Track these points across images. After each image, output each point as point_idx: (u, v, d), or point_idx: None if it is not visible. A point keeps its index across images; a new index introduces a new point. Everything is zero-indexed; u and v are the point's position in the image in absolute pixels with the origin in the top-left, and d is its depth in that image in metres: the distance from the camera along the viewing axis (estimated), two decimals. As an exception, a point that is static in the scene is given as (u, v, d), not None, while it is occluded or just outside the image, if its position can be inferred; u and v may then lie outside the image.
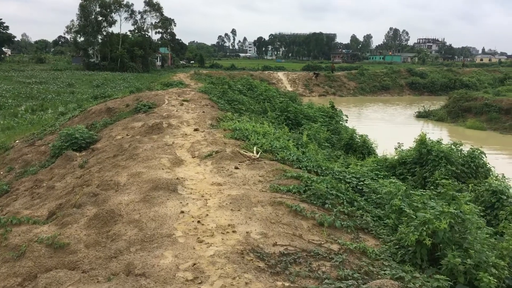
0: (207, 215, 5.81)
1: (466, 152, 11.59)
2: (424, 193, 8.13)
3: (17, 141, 17.71)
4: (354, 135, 16.85)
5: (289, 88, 57.21)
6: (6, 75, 52.82)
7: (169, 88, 22.53)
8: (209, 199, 6.43)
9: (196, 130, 11.68)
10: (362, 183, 8.27)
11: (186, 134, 11.23)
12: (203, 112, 14.48)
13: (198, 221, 5.58)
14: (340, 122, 20.51)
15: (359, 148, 16.37)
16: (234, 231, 5.32)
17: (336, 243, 5.38)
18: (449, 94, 42.55)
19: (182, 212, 5.86)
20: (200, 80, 33.14)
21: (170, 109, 15.23)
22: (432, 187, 10.45)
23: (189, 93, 19.51)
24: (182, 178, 7.36)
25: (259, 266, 4.48)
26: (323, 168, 8.87)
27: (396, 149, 13.91)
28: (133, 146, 9.94)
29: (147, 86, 25.30)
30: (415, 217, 5.46)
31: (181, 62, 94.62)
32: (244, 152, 8.89)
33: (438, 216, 5.21)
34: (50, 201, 7.81)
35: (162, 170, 7.72)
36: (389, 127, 33.67)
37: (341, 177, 8.48)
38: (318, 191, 6.59)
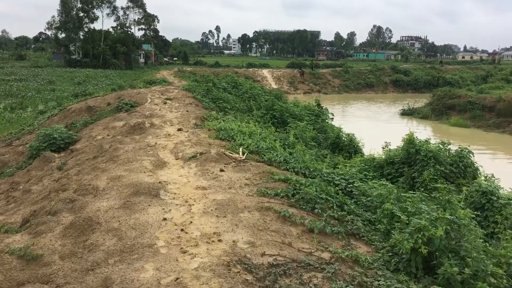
0: (191, 222, 5.50)
1: (454, 151, 11.48)
2: (414, 195, 7.99)
3: (-7, 141, 17.09)
4: (341, 134, 16.66)
5: (274, 86, 56.99)
6: (-16, 72, 51.51)
7: (152, 86, 22.06)
8: (193, 204, 6.11)
9: (179, 130, 11.32)
10: (351, 185, 8.05)
11: (169, 134, 10.87)
12: (187, 111, 14.11)
13: (182, 229, 5.27)
14: (326, 121, 20.32)
15: (346, 147, 16.18)
16: (219, 240, 5.02)
17: (327, 251, 5.12)
18: (433, 91, 42.78)
19: (165, 219, 5.53)
20: (184, 77, 32.63)
21: (153, 108, 14.82)
22: (421, 188, 10.34)
23: (172, 91, 19.09)
24: (165, 181, 7.02)
25: (247, 280, 4.20)
26: (311, 169, 8.62)
27: (383, 148, 13.77)
28: (114, 147, 9.55)
29: (129, 84, 24.76)
30: (408, 222, 5.23)
31: (164, 59, 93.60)
32: (229, 154, 8.59)
33: (433, 222, 4.99)
34: (25, 206, 7.40)
35: (144, 173, 7.37)
36: (375, 125, 33.67)
37: (329, 179, 8.25)
38: (307, 195, 6.33)
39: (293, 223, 5.69)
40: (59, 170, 9.91)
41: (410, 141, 11.16)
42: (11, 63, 74.09)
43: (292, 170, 8.49)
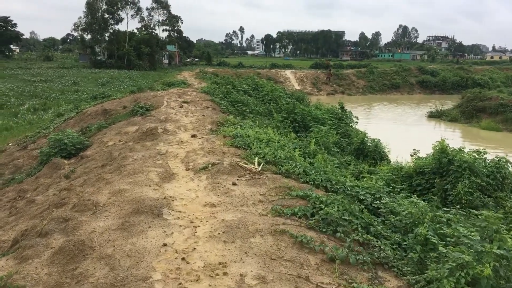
0: (195, 248, 4.83)
1: (490, 161, 10.53)
2: (451, 215, 7.13)
3: (10, 144, 16.88)
4: (365, 139, 15.80)
5: (297, 87, 56.14)
6: (12, 73, 52.17)
7: (170, 88, 21.58)
8: (199, 226, 5.44)
9: (193, 136, 10.70)
10: (378, 201, 7.25)
11: (182, 141, 10.25)
12: (203, 115, 13.49)
13: (183, 258, 4.60)
14: (350, 125, 19.46)
15: (371, 153, 15.33)
16: (225, 273, 4.33)
17: (351, 287, 4.37)
18: (462, 93, 41.26)
19: (165, 245, 4.87)
20: (204, 79, 32.15)
21: (168, 111, 14.27)
22: (455, 202, 9.46)
23: (190, 94, 18.55)
24: (170, 197, 6.38)
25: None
26: (333, 182, 7.86)
27: (411, 156, 12.86)
28: (123, 156, 8.99)
29: (149, 86, 24.36)
30: (447, 255, 4.43)
31: (188, 59, 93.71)
32: (244, 165, 7.90)
33: (478, 257, 4.18)
34: (23, 221, 6.88)
35: (149, 186, 6.75)
36: (401, 129, 32.51)
37: (353, 193, 7.46)
38: (328, 216, 5.59)
39: (311, 250, 4.95)
40: (66, 178, 9.43)
41: (442, 149, 10.25)
42: (38, 64, 75.21)
43: (313, 183, 7.75)
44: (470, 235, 5.70)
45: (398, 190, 8.66)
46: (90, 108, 17.42)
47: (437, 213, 6.26)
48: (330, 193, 7.32)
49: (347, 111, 20.32)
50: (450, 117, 34.74)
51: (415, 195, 10.37)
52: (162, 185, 6.92)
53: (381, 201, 7.15)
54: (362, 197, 7.37)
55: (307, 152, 9.94)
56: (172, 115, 13.64)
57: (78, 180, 8.66)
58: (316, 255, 4.91)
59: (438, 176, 10.16)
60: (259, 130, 11.26)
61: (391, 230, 6.30)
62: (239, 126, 11.85)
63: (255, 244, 4.92)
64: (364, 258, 4.98)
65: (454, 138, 30.48)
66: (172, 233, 5.19)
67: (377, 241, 5.62)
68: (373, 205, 7.28)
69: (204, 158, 8.52)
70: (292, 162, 8.38)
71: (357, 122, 20.04)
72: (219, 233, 5.18)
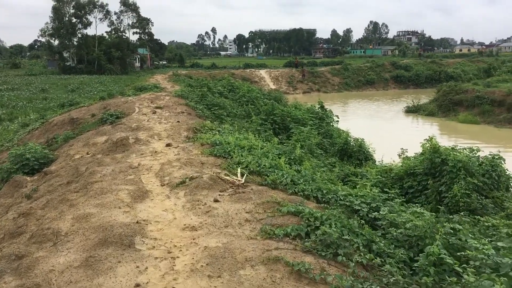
0: None
1: (483, 158, 10.04)
2: (453, 221, 6.56)
3: (-31, 160, 15.63)
4: (349, 139, 15.23)
5: (272, 86, 55.55)
6: (-23, 82, 49.89)
7: (142, 92, 20.57)
8: (178, 256, 4.65)
9: (168, 145, 9.85)
10: (374, 211, 6.60)
11: (156, 151, 9.40)
12: (178, 121, 12.63)
13: (160, 302, 3.81)
14: (331, 124, 18.88)
15: (355, 153, 14.74)
16: (212, 321, 3.56)
17: (363, 327, 3.67)
18: (437, 87, 41.32)
19: (138, 285, 4.07)
20: (178, 81, 31.16)
21: (140, 118, 13.36)
22: (451, 204, 8.92)
23: (163, 99, 17.61)
24: (144, 220, 5.56)
25: None
26: (324, 191, 7.17)
27: (399, 156, 12.31)
28: (90, 171, 8.10)
29: (120, 91, 23.27)
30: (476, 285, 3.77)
31: (160, 62, 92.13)
32: (225, 177, 7.13)
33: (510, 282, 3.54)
34: (-26, 255, 5.94)
35: (119, 209, 5.91)
36: (380, 125, 32.23)
37: (347, 203, 6.80)
38: (327, 237, 4.88)
39: (311, 281, 4.23)
40: (28, 199, 8.47)
41: (434, 149, 9.70)
42: (5, 72, 72.48)
43: (302, 193, 7.04)
44: (484, 249, 5.11)
45: (393, 195, 8.04)
46: (57, 117, 16.32)
47: (445, 225, 5.62)
48: (323, 205, 6.65)
49: (327, 110, 19.74)
50: (427, 112, 34.66)
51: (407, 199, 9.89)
52: (134, 206, 6.08)
53: (379, 211, 6.49)
54: (357, 207, 6.71)
55: (292, 158, 9.23)
56: (145, 122, 12.74)
57: (40, 200, 7.73)
58: (317, 286, 4.19)
59: (431, 177, 9.61)
60: (239, 136, 10.50)
61: (394, 246, 5.65)
62: (217, 132, 11.06)
63: (245, 278, 4.16)
64: (372, 287, 4.29)
65: (433, 132, 30.39)
66: (146, 268, 4.38)
67: (382, 261, 4.96)
68: (369, 215, 6.63)
69: (181, 170, 7.71)
70: (278, 171, 7.65)
71: (337, 121, 19.49)
72: (202, 266, 4.40)
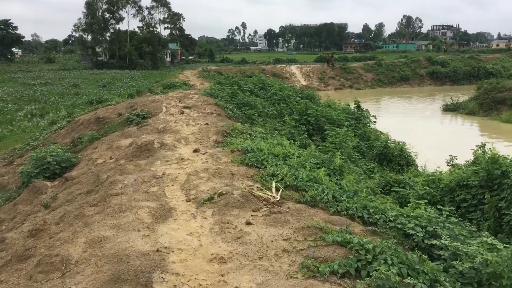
0: None
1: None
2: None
3: (-4, 158, 15.39)
4: (389, 142, 14.18)
5: (303, 82, 54.42)
6: (13, 76, 50.70)
7: (170, 90, 19.96)
8: (203, 301, 3.87)
9: (195, 151, 9.11)
10: (431, 236, 5.66)
11: (182, 158, 8.67)
12: (206, 123, 11.88)
13: None
14: (368, 125, 17.82)
15: (396, 158, 13.71)
16: None
17: None
18: (477, 84, 39.36)
19: None
20: (208, 78, 30.53)
21: (167, 119, 12.69)
22: (513, 224, 7.86)
23: (192, 97, 16.92)
24: (165, 248, 4.81)
25: None
26: (371, 211, 6.26)
27: (448, 163, 11.23)
28: (111, 180, 7.44)
29: (148, 88, 22.76)
30: None
31: (190, 57, 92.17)
32: (259, 193, 6.31)
33: None
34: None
35: (138, 231, 5.18)
36: (417, 124, 30.74)
37: (398, 226, 5.88)
38: (384, 281, 3.99)
39: None
40: (45, 208, 7.92)
41: (493, 159, 8.60)
42: (39, 66, 73.79)
43: (346, 213, 6.16)
44: None
45: (447, 213, 7.04)
46: (83, 116, 15.88)
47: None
48: (371, 228, 5.76)
49: (363, 109, 18.65)
50: (468, 110, 32.95)
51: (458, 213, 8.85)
52: (155, 227, 5.34)
53: (439, 238, 5.55)
54: (410, 231, 5.78)
55: (332, 168, 8.32)
56: (172, 123, 12.06)
57: (57, 211, 7.13)
58: None
59: (488, 191, 8.55)
60: (273, 141, 9.65)
61: (460, 283, 4.73)
62: (248, 136, 10.25)
63: (286, 337, 3.34)
64: None
65: (474, 132, 28.77)
66: (166, 318, 3.61)
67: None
68: (424, 241, 5.70)
69: (208, 183, 6.94)
70: (317, 185, 6.78)
71: (375, 122, 18.39)
72: (232, 317, 3.59)
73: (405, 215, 6.23)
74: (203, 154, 8.91)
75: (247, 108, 15.46)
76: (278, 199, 6.17)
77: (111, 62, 67.98)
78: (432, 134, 26.08)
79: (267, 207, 5.92)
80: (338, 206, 6.29)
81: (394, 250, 4.67)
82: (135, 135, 11.04)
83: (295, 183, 6.83)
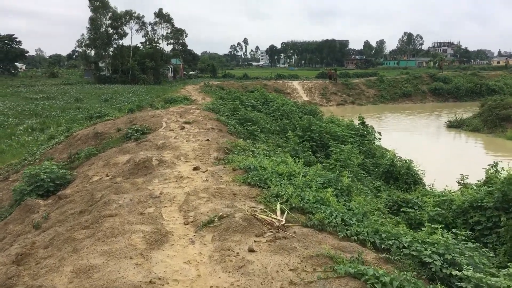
0: None
1: None
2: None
3: (-9, 174, 14.96)
4: (395, 160, 13.74)
5: (305, 98, 54.21)
6: (15, 90, 50.55)
7: (171, 105, 19.64)
8: None
9: (195, 169, 8.69)
10: (451, 265, 5.21)
11: (181, 176, 8.24)
12: (207, 140, 11.47)
13: None
14: (373, 142, 17.40)
15: (403, 176, 13.25)
16: None
17: None
18: (481, 101, 39.07)
19: None
20: (209, 93, 30.24)
21: (167, 135, 12.30)
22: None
23: (193, 112, 16.54)
24: (159, 279, 4.35)
25: None
26: (383, 236, 5.81)
27: (459, 183, 10.79)
28: (105, 200, 7.00)
29: (149, 102, 22.43)
30: None
31: (192, 72, 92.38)
32: (262, 216, 5.86)
33: None
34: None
35: (130, 259, 4.73)
36: (422, 141, 30.35)
37: (414, 253, 5.43)
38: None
39: None
40: (36, 229, 7.48)
41: (510, 180, 8.16)
42: (42, 81, 73.83)
43: (356, 238, 5.71)
44: None
45: (463, 237, 6.58)
46: (81, 131, 15.49)
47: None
48: (384, 255, 5.31)
49: (368, 126, 18.25)
50: (472, 127, 32.54)
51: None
52: (149, 255, 4.88)
53: (459, 267, 5.09)
54: (427, 259, 5.32)
55: (339, 188, 7.87)
56: (172, 139, 11.66)
57: (47, 233, 6.69)
58: None
59: (504, 213, 8.10)
60: (276, 159, 9.23)
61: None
62: (251, 153, 9.83)
63: None
64: None
65: (479, 149, 28.33)
66: None
67: None
68: (443, 270, 5.25)
69: (208, 204, 6.49)
70: (325, 207, 6.33)
71: (380, 139, 17.97)
72: None
73: (420, 241, 5.78)
74: (203, 172, 8.48)
75: (249, 123, 15.08)
76: (283, 222, 5.72)
77: (114, 76, 68.08)
78: (437, 151, 25.66)
79: (271, 231, 5.47)
80: (347, 230, 5.84)
81: (414, 284, 4.22)
82: (133, 151, 10.63)
83: (301, 204, 6.38)
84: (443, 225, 6.63)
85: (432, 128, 36.75)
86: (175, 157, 9.70)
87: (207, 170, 8.60)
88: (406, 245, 5.63)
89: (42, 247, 5.98)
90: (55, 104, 37.94)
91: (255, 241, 5.20)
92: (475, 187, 9.92)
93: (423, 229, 6.40)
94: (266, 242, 5.18)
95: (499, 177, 9.68)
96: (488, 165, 10.38)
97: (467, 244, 6.29)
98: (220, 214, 5.79)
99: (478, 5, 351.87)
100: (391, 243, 5.70)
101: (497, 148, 27.31)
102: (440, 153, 24.62)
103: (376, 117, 45.26)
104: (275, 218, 5.86)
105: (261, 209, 6.26)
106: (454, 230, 7.05)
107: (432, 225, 6.32)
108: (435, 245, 5.62)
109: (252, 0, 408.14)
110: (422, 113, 48.93)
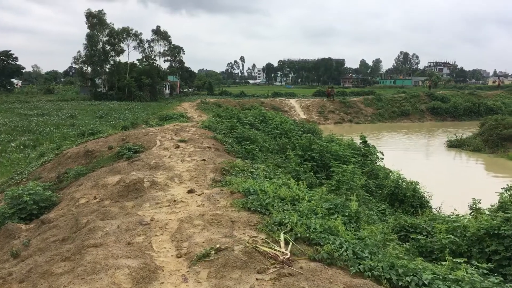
0: None
1: None
2: None
3: (-24, 194, 14.23)
4: (400, 181, 13.14)
5: (303, 116, 53.80)
6: (10, 107, 49.98)
7: (166, 122, 19.03)
8: None
9: (190, 192, 8.04)
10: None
11: (174, 200, 7.59)
12: (203, 160, 10.83)
13: None
14: (375, 162, 16.82)
15: (409, 199, 12.63)
16: None
17: None
18: (481, 120, 38.72)
19: None
20: (206, 110, 29.73)
21: (161, 154, 11.67)
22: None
23: (188, 130, 15.94)
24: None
25: None
26: (400, 271, 5.16)
27: (471, 208, 10.18)
28: (90, 227, 6.35)
29: (144, 120, 21.83)
30: None
31: (189, 89, 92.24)
32: (264, 248, 5.22)
33: None
34: None
35: (113, 302, 4.06)
36: (423, 162, 29.81)
37: (437, 293, 4.79)
38: None
39: None
40: (14, 258, 6.78)
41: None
42: (38, 97, 73.35)
43: (370, 273, 5.06)
44: None
45: (485, 269, 5.95)
46: (71, 149, 14.83)
47: None
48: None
49: (370, 145, 17.70)
50: (473, 147, 32.06)
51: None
52: (135, 296, 4.22)
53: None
54: (451, 300, 4.69)
55: (347, 215, 7.24)
56: (165, 159, 11.03)
57: (26, 263, 6.02)
58: None
59: (525, 242, 7.50)
60: (277, 181, 8.60)
61: None
62: (250, 174, 9.21)
63: None
64: None
65: (480, 169, 27.80)
66: None
67: None
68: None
69: (204, 232, 5.84)
70: (333, 238, 5.69)
71: (382, 158, 17.39)
72: None
73: (441, 277, 5.14)
74: (198, 195, 7.83)
75: (248, 142, 14.47)
76: (288, 256, 5.08)
77: (110, 93, 67.71)
78: (439, 171, 25.09)
79: (275, 267, 4.82)
80: (360, 265, 5.20)
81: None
82: (124, 171, 9.99)
83: (307, 234, 5.73)
84: (465, 259, 5.95)
85: (432, 147, 36.27)
86: (168, 178, 9.05)
87: (202, 193, 7.96)
88: (426, 282, 4.99)
89: (17, 281, 5.31)
90: (49, 121, 37.35)
91: (257, 279, 4.54)
92: (487, 212, 9.32)
93: (443, 263, 5.75)
94: (270, 281, 4.52)
95: (513, 201, 9.12)
96: (501, 188, 9.81)
97: (489, 278, 5.67)
98: (217, 246, 5.13)
99: (472, 26, 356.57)
100: (409, 280, 5.07)
101: (500, 168, 26.77)
102: (442, 173, 24.04)
103: (374, 135, 44.78)
104: (279, 250, 5.21)
105: (262, 239, 5.62)
106: (474, 262, 6.42)
107: (454, 259, 5.67)
108: (460, 282, 4.99)
109: (248, 21, 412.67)
110: (420, 132, 48.57)
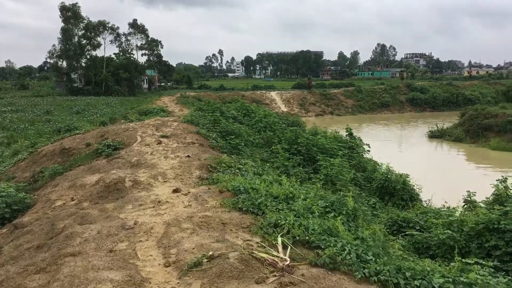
0: None
1: None
2: None
3: None
4: (390, 174, 12.85)
5: (284, 109, 53.51)
6: (-19, 103, 48.18)
7: (146, 117, 18.36)
8: None
9: (175, 191, 7.53)
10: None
11: (159, 201, 7.07)
12: (188, 156, 10.30)
13: None
14: (362, 154, 16.53)
15: (399, 192, 12.36)
16: None
17: None
18: (461, 110, 39.07)
19: None
20: (187, 104, 29.07)
21: (142, 150, 11.09)
22: None
23: (170, 125, 15.33)
24: None
25: None
26: (408, 274, 4.78)
27: (466, 202, 9.92)
28: (67, 233, 5.79)
29: (123, 115, 21.07)
30: None
31: (168, 84, 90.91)
32: (261, 254, 4.76)
33: None
34: None
35: (94, 324, 3.56)
36: (406, 152, 29.78)
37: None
38: None
39: None
40: (-17, 268, 6.17)
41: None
42: (12, 93, 71.16)
43: (376, 279, 4.67)
44: None
45: (491, 269, 5.62)
46: (47, 146, 14.08)
47: None
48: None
49: (356, 137, 17.40)
50: (454, 137, 32.27)
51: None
52: (120, 315, 3.72)
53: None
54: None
55: (344, 213, 6.83)
56: (147, 155, 10.46)
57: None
58: None
59: (526, 236, 7.24)
60: (268, 178, 8.15)
61: None
62: (238, 171, 8.73)
63: None
64: None
65: (463, 159, 27.93)
66: None
67: None
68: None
69: (193, 237, 5.35)
70: (334, 240, 5.27)
71: (369, 151, 17.12)
72: None
73: (451, 280, 4.78)
74: (185, 195, 7.32)
75: (232, 136, 13.96)
76: (288, 262, 4.64)
77: (87, 88, 66.15)
78: (422, 162, 25.09)
79: (275, 275, 4.37)
80: (365, 269, 4.80)
81: None
82: (103, 170, 9.39)
83: (306, 237, 5.30)
84: (477, 259, 5.60)
85: (414, 138, 36.39)
86: (151, 176, 8.51)
87: (189, 192, 7.45)
88: (437, 286, 4.63)
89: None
90: (23, 117, 36.05)
91: (256, 289, 4.09)
92: (483, 205, 9.07)
93: (452, 263, 5.40)
94: (271, 291, 4.07)
95: (510, 194, 8.89)
96: (496, 180, 9.58)
97: (498, 278, 5.35)
98: (210, 253, 4.65)
99: (447, 18, 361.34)
100: (418, 284, 4.69)
101: (482, 159, 26.95)
102: (425, 165, 24.04)
103: (355, 127, 44.71)
104: (277, 256, 4.77)
105: (257, 243, 5.17)
106: (479, 261, 6.10)
107: (464, 260, 5.32)
108: (473, 286, 4.64)
109: (226, 15, 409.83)
110: (400, 123, 48.81)
